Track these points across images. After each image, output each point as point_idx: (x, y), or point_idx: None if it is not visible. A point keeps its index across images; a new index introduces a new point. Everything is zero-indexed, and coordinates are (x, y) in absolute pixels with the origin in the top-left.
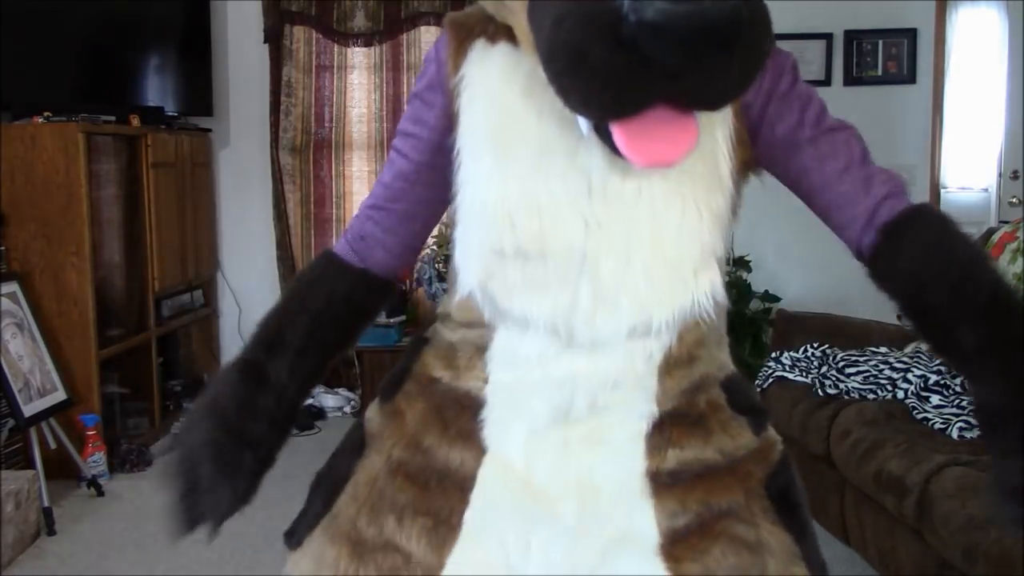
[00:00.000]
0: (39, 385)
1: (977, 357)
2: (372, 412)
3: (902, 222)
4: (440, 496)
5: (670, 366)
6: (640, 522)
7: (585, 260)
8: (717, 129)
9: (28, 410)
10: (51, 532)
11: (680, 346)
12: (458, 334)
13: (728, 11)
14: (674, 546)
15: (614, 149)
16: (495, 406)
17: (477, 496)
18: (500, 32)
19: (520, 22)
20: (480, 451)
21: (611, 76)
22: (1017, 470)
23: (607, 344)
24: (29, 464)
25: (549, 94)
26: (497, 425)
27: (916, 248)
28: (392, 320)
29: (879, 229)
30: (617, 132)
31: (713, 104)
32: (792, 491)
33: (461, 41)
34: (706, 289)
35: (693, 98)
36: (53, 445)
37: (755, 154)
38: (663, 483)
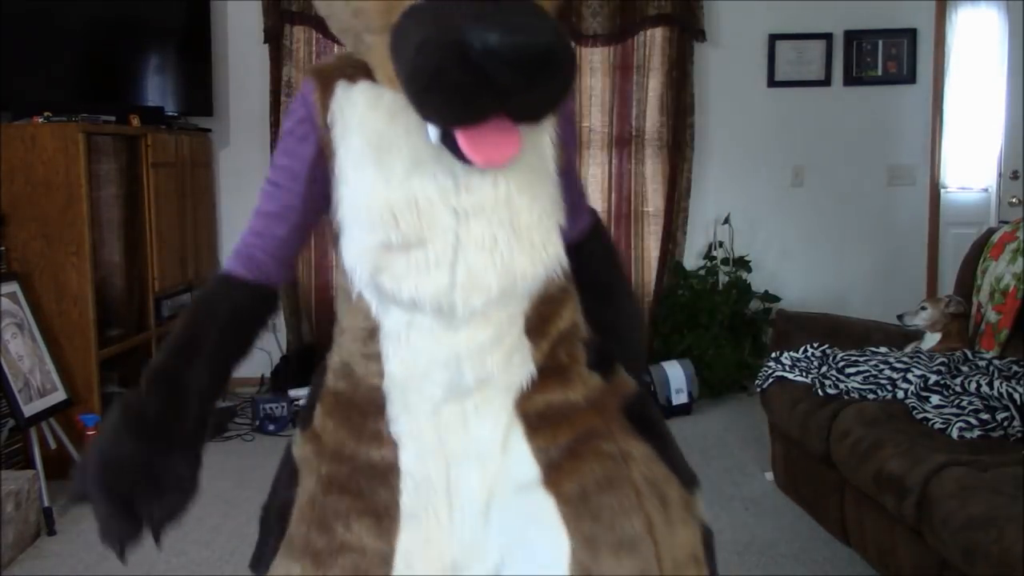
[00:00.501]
0: (39, 385)
1: (609, 326)
2: (296, 443)
3: (592, 231)
4: (374, 494)
5: (535, 326)
6: (521, 461)
7: (458, 243)
8: (545, 138)
9: (28, 410)
10: (51, 532)
11: (539, 307)
12: (350, 346)
13: (549, 46)
14: (552, 473)
15: (456, 152)
16: (395, 401)
17: (406, 483)
18: (359, 72)
19: (377, 56)
20: (394, 444)
21: (460, 92)
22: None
23: (481, 315)
24: (29, 464)
25: (410, 113)
26: (402, 418)
27: (597, 251)
28: None
29: (584, 230)
30: (460, 137)
31: (534, 118)
32: (648, 414)
33: (325, 84)
34: (554, 257)
35: (520, 113)
36: (53, 445)
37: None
38: (533, 425)
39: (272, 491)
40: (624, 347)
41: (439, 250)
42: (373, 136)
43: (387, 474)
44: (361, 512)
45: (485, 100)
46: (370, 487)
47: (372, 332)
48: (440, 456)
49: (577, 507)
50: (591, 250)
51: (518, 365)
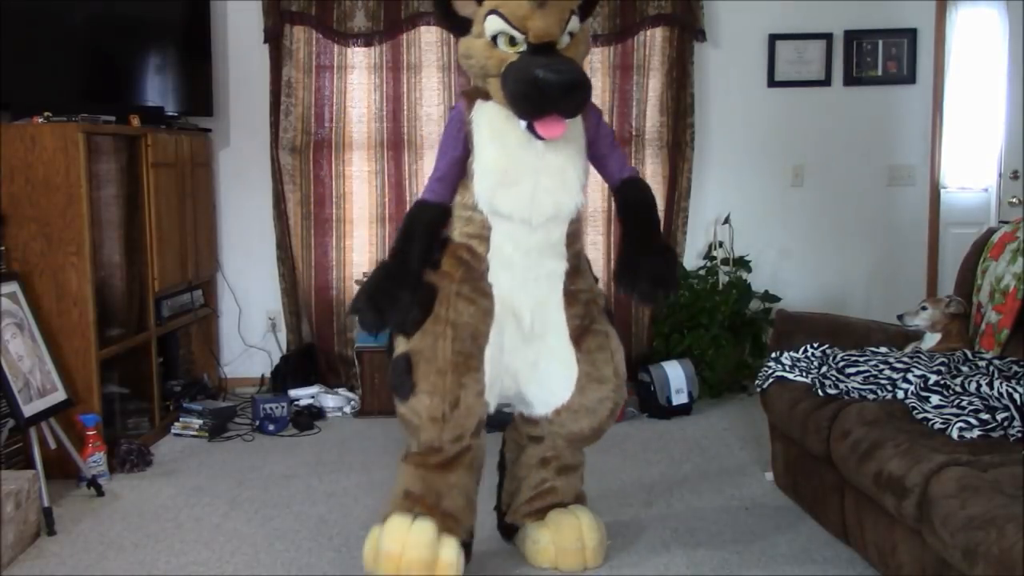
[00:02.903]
0: (39, 385)
1: (631, 240)
2: (429, 276)
3: (629, 180)
4: (482, 302)
5: (568, 240)
6: (560, 320)
7: (535, 186)
8: (579, 132)
9: (28, 410)
10: (51, 532)
11: (570, 228)
12: (472, 239)
13: (577, 79)
14: (575, 335)
15: (533, 132)
16: (494, 266)
17: (496, 303)
18: (484, 95)
19: (494, 87)
20: (491, 285)
21: (534, 101)
22: (641, 280)
23: (543, 224)
24: (29, 464)
25: (514, 118)
26: (494, 277)
27: (633, 193)
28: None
29: (623, 179)
30: (535, 125)
31: (571, 114)
32: (611, 311)
33: (470, 101)
34: (582, 197)
35: (564, 112)
36: (53, 445)
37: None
38: (569, 300)
39: (418, 297)
40: (650, 262)
41: (525, 189)
42: (496, 128)
43: (489, 293)
44: (474, 309)
45: (546, 105)
46: (480, 298)
47: (487, 229)
48: (512, 302)
49: (585, 357)
50: (631, 188)
51: (560, 260)
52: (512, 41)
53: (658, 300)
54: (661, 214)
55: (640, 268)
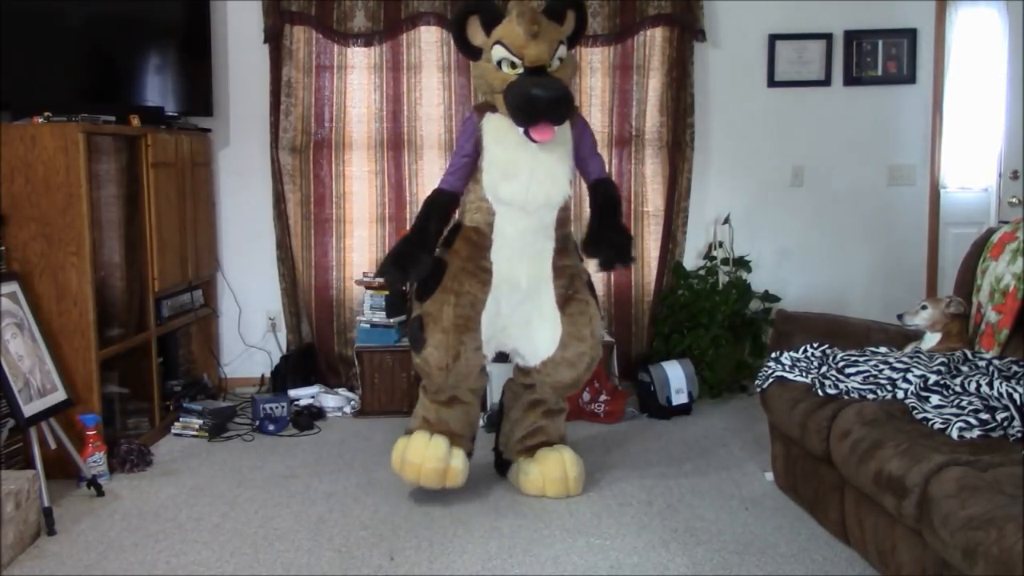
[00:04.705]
0: (39, 385)
1: (598, 219)
2: (442, 253)
3: (603, 179)
4: (481, 275)
5: (557, 224)
6: (548, 289)
7: (530, 178)
8: (568, 136)
9: (28, 410)
10: (51, 532)
11: (559, 215)
12: (480, 220)
13: (563, 93)
14: (561, 303)
15: (529, 137)
16: (496, 243)
17: (494, 275)
18: (491, 108)
19: (499, 101)
20: (492, 261)
21: (528, 112)
22: (604, 249)
23: (536, 211)
24: (29, 464)
25: (514, 127)
26: (496, 252)
27: (604, 188)
28: (392, 320)
29: (598, 179)
30: (530, 130)
31: (558, 122)
32: (592, 285)
33: (480, 113)
34: (569, 190)
35: (553, 120)
36: (53, 445)
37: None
38: (557, 273)
39: (431, 271)
40: (613, 236)
41: (522, 181)
42: (500, 133)
43: (488, 269)
44: (475, 281)
45: (538, 115)
46: (480, 272)
47: (492, 214)
48: (510, 272)
49: (567, 319)
50: (603, 185)
51: (549, 240)
52: (512, 65)
53: (614, 267)
54: (661, 215)
55: (604, 240)
